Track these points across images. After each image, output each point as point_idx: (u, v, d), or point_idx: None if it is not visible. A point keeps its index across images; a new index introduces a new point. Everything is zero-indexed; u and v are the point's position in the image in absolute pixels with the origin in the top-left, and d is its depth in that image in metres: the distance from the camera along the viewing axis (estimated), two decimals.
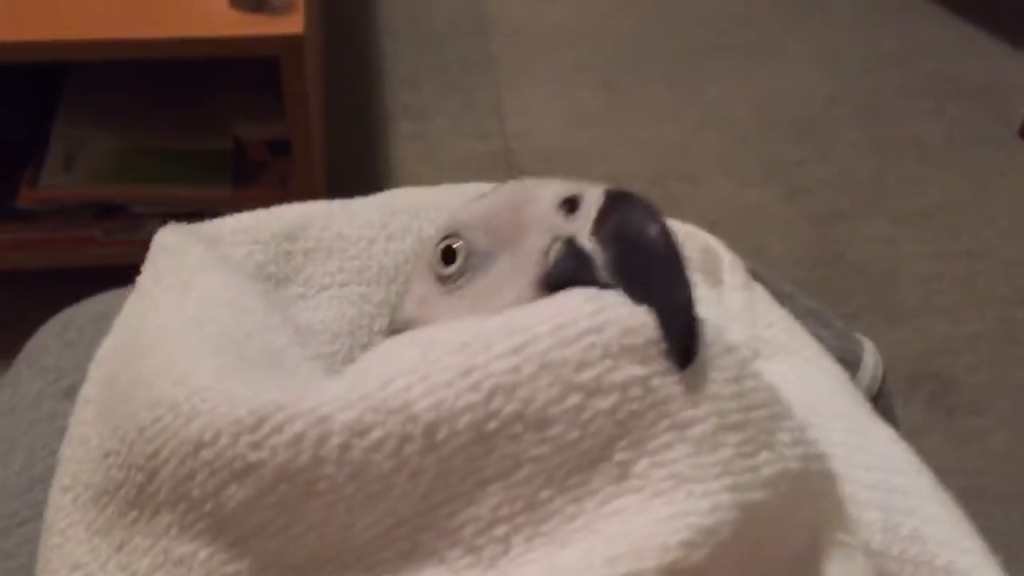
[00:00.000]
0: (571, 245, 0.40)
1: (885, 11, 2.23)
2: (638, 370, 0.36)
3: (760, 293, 0.60)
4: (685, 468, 0.34)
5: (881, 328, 1.55)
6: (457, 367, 0.36)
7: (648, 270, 0.37)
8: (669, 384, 0.36)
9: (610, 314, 0.36)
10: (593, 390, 0.35)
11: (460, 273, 0.43)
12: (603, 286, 0.38)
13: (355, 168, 1.74)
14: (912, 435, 1.53)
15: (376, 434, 0.35)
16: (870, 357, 0.65)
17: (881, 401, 0.64)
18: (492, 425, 0.35)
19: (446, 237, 0.44)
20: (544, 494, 0.35)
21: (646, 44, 2.09)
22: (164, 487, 0.39)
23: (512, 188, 0.44)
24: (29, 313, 0.66)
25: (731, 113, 1.93)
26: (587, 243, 0.39)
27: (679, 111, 1.93)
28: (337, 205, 0.59)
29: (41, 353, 0.60)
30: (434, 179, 0.67)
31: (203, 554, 0.38)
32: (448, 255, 0.44)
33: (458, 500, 0.35)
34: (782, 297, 0.61)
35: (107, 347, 0.48)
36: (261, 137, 1.47)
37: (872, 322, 1.56)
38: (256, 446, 0.36)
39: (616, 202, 0.39)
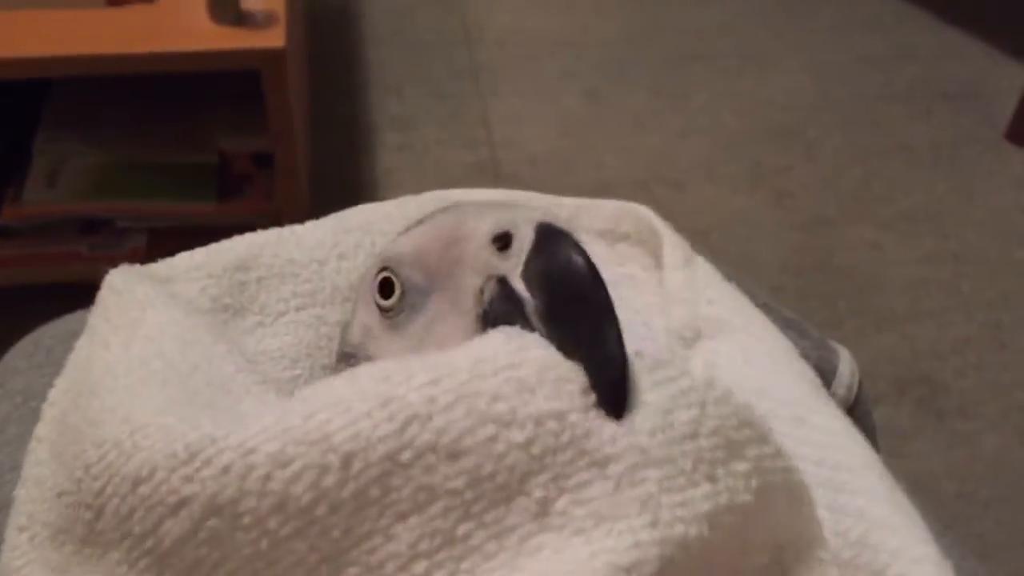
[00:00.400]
0: (504, 286, 0.40)
1: (870, 16, 2.23)
2: (554, 404, 0.35)
3: (702, 270, 0.60)
4: (604, 506, 0.34)
5: (868, 333, 1.55)
6: (376, 397, 0.36)
7: (576, 319, 0.37)
8: (587, 420, 0.36)
9: (530, 353, 0.36)
10: (507, 422, 0.35)
11: (399, 309, 0.44)
12: (535, 329, 0.38)
13: (342, 179, 1.74)
14: (901, 439, 1.54)
15: (296, 465, 0.35)
16: (846, 367, 0.64)
17: (858, 409, 0.63)
18: (406, 455, 0.35)
19: (382, 269, 0.45)
20: (462, 529, 0.35)
21: (631, 52, 2.09)
22: (109, 524, 0.39)
23: (444, 220, 0.45)
24: (13, 330, 0.66)
25: (716, 119, 1.93)
26: (519, 284, 0.40)
27: (664, 118, 1.94)
28: (287, 231, 0.60)
29: (10, 375, 0.60)
30: (421, 188, 0.66)
31: None
32: (385, 288, 0.45)
33: (377, 535, 0.35)
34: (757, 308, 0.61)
35: (59, 386, 0.48)
36: (246, 150, 1.47)
37: (859, 327, 1.56)
38: (188, 479, 0.36)
39: (543, 241, 0.39)
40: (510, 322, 0.39)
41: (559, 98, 1.96)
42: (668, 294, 0.58)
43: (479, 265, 0.42)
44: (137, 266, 0.53)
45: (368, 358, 0.45)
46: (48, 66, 1.23)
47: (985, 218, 1.76)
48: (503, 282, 0.40)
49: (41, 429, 0.47)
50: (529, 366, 0.36)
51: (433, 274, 0.44)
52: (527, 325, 0.39)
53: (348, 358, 0.47)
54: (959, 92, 2.03)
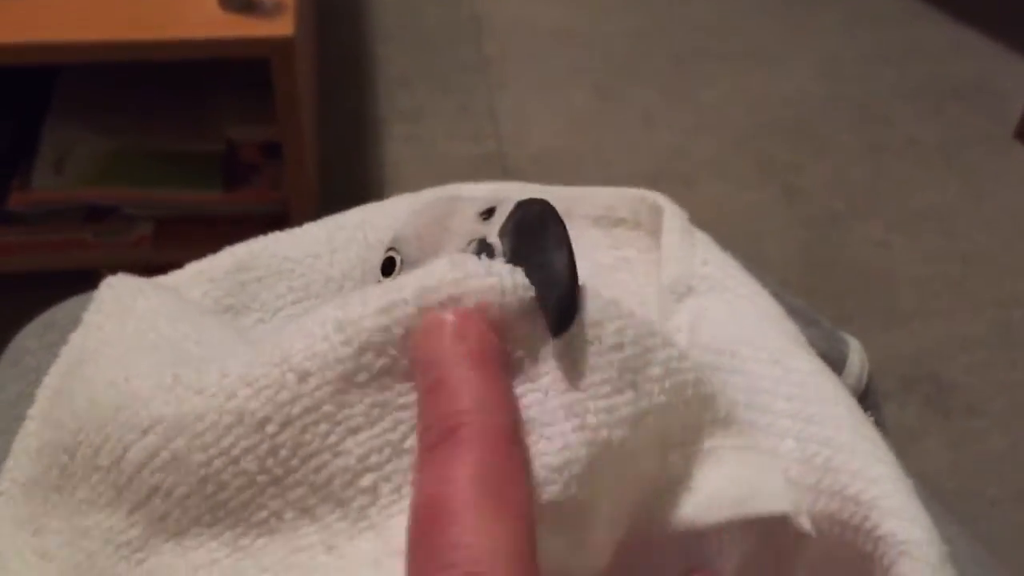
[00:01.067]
0: (482, 243, 0.42)
1: (880, 13, 2.23)
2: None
3: (701, 237, 0.62)
4: (536, 413, 0.37)
5: (876, 330, 1.55)
6: (333, 322, 0.37)
7: (531, 252, 0.39)
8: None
9: (472, 283, 0.38)
10: None
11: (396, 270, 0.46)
12: None
13: (349, 171, 1.74)
14: (908, 437, 1.54)
15: (258, 383, 0.37)
16: (856, 356, 0.64)
17: (868, 400, 0.63)
18: (362, 377, 0.37)
19: (388, 250, 0.47)
20: (410, 441, 0.36)
21: (641, 47, 2.09)
22: (81, 461, 0.40)
23: (440, 203, 0.47)
24: (18, 316, 0.66)
25: (726, 116, 1.93)
26: (495, 240, 0.42)
27: (673, 114, 1.93)
28: (285, 233, 0.61)
29: (22, 354, 0.60)
30: (428, 182, 0.67)
31: (105, 523, 0.40)
32: (387, 267, 0.47)
33: (326, 452, 0.37)
34: None
35: (53, 372, 0.49)
36: (253, 139, 1.47)
37: (867, 324, 1.56)
38: (167, 402, 0.38)
39: (521, 204, 0.41)
40: None
41: (568, 93, 1.96)
42: (663, 254, 0.59)
43: (464, 232, 0.44)
44: (136, 277, 0.54)
45: None
46: (56, 52, 1.23)
47: (994, 216, 1.75)
48: (482, 241, 0.42)
49: (33, 409, 0.48)
50: (470, 294, 0.38)
51: (426, 246, 0.46)
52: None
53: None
54: (969, 90, 2.02)
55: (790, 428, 0.48)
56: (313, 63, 1.73)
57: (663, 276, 0.61)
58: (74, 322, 0.58)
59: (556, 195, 0.66)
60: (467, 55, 2.03)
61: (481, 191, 0.63)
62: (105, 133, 1.43)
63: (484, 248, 0.42)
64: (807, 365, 0.53)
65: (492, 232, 0.42)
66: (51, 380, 0.49)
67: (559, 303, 0.38)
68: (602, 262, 0.62)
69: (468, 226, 0.44)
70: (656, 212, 0.64)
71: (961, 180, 1.82)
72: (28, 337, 0.61)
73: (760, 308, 0.58)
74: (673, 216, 0.62)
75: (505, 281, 0.38)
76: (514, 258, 0.40)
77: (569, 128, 1.89)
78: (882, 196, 1.78)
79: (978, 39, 2.15)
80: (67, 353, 0.49)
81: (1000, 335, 1.56)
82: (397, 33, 2.08)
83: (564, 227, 0.40)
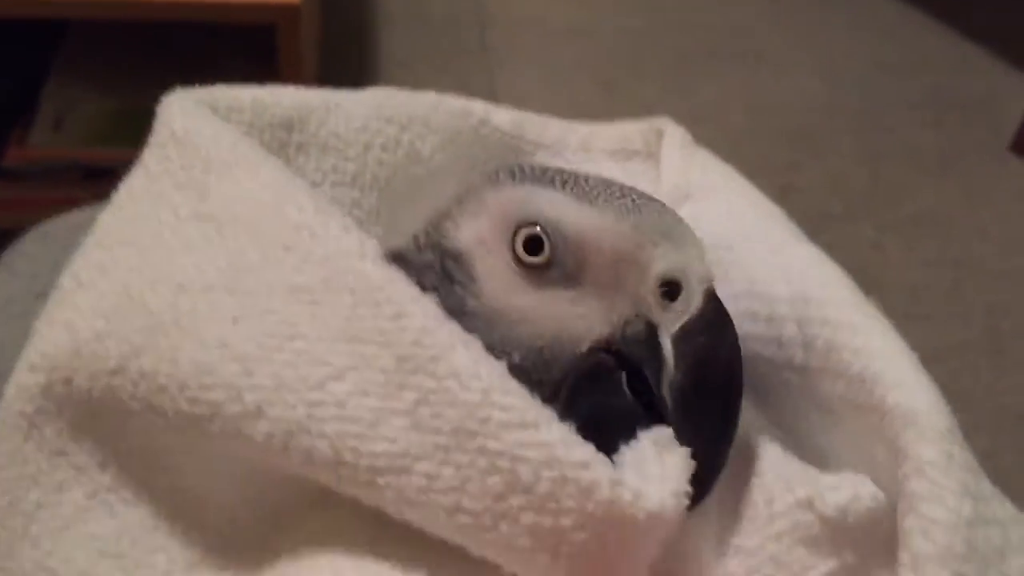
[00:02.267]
0: (651, 332, 0.45)
1: (886, 24, 2.24)
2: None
3: (702, 151, 0.66)
4: None
5: None
6: None
7: (707, 418, 0.43)
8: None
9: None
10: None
11: (542, 271, 0.47)
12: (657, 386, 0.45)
13: None
14: None
15: None
16: None
17: None
18: None
19: (532, 224, 0.47)
20: None
21: (644, 45, 2.09)
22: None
23: (624, 231, 0.47)
24: None
25: (726, 116, 1.93)
26: (666, 342, 0.44)
27: (672, 112, 1.90)
28: (333, 101, 0.59)
29: (18, 258, 0.61)
30: None
31: None
32: (533, 244, 0.47)
33: None
34: None
35: (106, 227, 0.49)
36: None
37: None
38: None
39: (709, 321, 0.44)
40: (636, 363, 0.45)
41: (571, 86, 1.96)
42: (661, 165, 0.61)
43: (639, 296, 0.46)
44: (193, 94, 0.54)
45: (473, 277, 0.48)
46: (63, 8, 1.23)
47: (988, 226, 1.76)
48: (651, 327, 0.45)
49: (82, 272, 0.48)
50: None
51: (585, 268, 0.47)
52: (653, 378, 0.44)
53: (443, 252, 0.48)
54: (969, 103, 2.03)
55: (790, 313, 0.50)
56: (317, 37, 1.73)
57: (662, 184, 0.62)
58: (71, 232, 0.57)
59: (577, 130, 0.67)
60: (471, 45, 2.03)
61: (503, 118, 0.63)
62: (107, 93, 1.43)
63: (650, 343, 0.44)
64: (806, 252, 0.53)
65: (663, 322, 0.45)
66: (104, 238, 0.49)
67: (703, 487, 0.42)
68: None
69: (644, 291, 0.45)
70: (658, 135, 0.66)
71: (957, 189, 1.83)
72: (25, 243, 0.61)
73: (760, 208, 0.59)
74: (674, 134, 0.65)
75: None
76: (684, 402, 0.43)
77: (571, 118, 1.88)
78: (878, 201, 1.78)
79: (982, 55, 2.16)
80: (122, 210, 0.50)
81: (989, 342, 1.56)
82: (401, 16, 2.08)
83: (740, 397, 0.44)
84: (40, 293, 0.48)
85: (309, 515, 0.45)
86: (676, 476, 0.41)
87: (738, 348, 0.44)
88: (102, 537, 0.46)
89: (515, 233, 0.46)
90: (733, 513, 0.45)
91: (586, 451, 0.40)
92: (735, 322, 0.49)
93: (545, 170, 0.49)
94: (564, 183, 0.48)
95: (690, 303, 0.45)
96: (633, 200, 0.48)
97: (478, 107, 0.64)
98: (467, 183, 0.51)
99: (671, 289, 0.45)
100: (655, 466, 0.41)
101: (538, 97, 1.92)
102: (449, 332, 0.42)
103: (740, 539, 0.44)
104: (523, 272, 0.47)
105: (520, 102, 2.01)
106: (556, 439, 0.40)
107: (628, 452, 0.42)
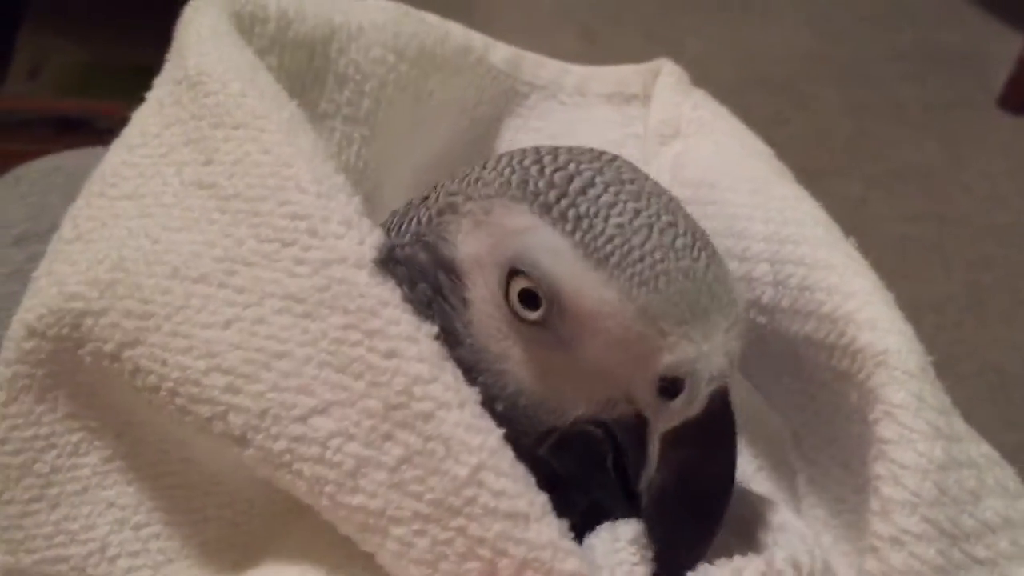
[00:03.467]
0: (639, 426, 0.41)
1: None
2: None
3: (697, 91, 0.65)
4: None
5: None
6: None
7: (687, 532, 0.40)
8: None
9: None
10: None
11: (537, 327, 0.41)
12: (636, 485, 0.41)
13: None
14: None
15: None
16: None
17: None
18: None
19: (525, 273, 0.41)
20: None
21: None
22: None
23: (625, 309, 0.40)
24: None
25: (710, 68, 1.90)
26: (654, 446, 0.40)
27: None
28: (355, 21, 0.56)
29: (20, 181, 0.59)
30: None
31: None
32: (527, 300, 0.41)
33: None
34: None
35: (114, 170, 0.48)
36: None
37: None
38: None
39: (709, 430, 0.40)
40: (619, 456, 0.42)
41: (552, 35, 1.94)
42: (652, 102, 0.60)
43: (635, 385, 0.41)
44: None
45: (466, 302, 0.43)
46: None
47: (972, 181, 1.75)
48: (640, 419, 0.40)
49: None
50: None
51: (581, 342, 0.41)
52: (633, 470, 0.41)
53: (439, 258, 0.44)
54: (955, 57, 2.01)
55: (764, 251, 0.48)
56: None
57: (650, 120, 0.61)
58: (45, 175, 0.57)
59: (573, 72, 0.66)
60: None
61: (500, 56, 0.63)
62: (82, 44, 1.41)
63: (638, 439, 0.40)
64: (790, 192, 0.53)
65: (656, 420, 0.40)
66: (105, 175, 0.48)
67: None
68: (611, 138, 0.62)
69: (642, 383, 0.40)
70: (653, 74, 0.65)
71: (942, 144, 1.82)
72: (32, 170, 0.60)
73: (748, 146, 0.58)
74: (671, 73, 0.64)
75: None
76: (667, 511, 0.40)
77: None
78: (863, 154, 1.78)
79: (968, 8, 2.15)
80: (134, 140, 0.49)
81: (971, 296, 1.56)
82: None
83: (726, 508, 0.40)
84: (17, 239, 0.47)
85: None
86: None
87: (733, 463, 0.40)
88: (121, 505, 0.45)
89: (511, 275, 0.41)
90: None
91: (576, 562, 0.38)
92: None
93: (567, 184, 0.42)
94: (580, 221, 0.41)
95: (692, 402, 0.39)
96: (659, 256, 0.40)
97: (478, 42, 0.63)
98: (475, 172, 0.46)
99: (672, 387, 0.39)
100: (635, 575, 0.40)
101: (519, 47, 1.89)
102: (444, 386, 0.39)
103: None
104: (514, 320, 0.42)
105: None
106: (545, 541, 0.38)
107: (607, 552, 0.40)
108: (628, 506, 0.42)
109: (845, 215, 1.80)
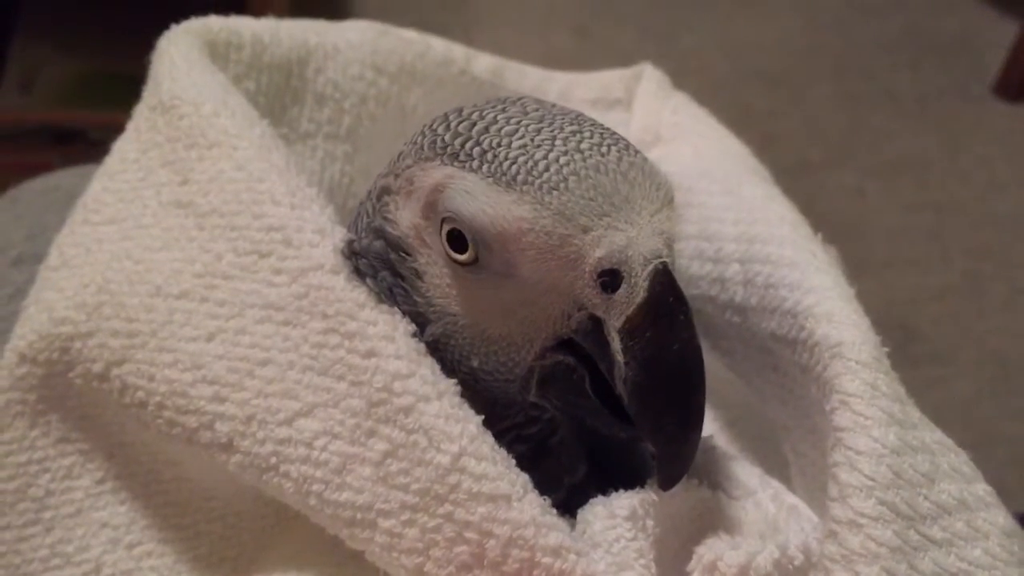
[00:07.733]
0: (597, 327, 0.41)
1: None
2: None
3: (679, 95, 0.66)
4: None
5: (848, 279, 1.55)
6: None
7: (667, 412, 0.41)
8: None
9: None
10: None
11: (476, 269, 0.42)
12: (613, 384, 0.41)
13: None
14: None
15: None
16: None
17: None
18: None
19: (448, 218, 0.42)
20: None
21: None
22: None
23: (548, 224, 0.41)
24: None
25: (705, 62, 1.91)
26: (614, 338, 0.40)
27: (652, 58, 1.90)
28: (331, 42, 0.58)
29: (15, 202, 0.60)
30: None
31: None
32: (456, 243, 0.42)
33: None
34: None
35: (96, 197, 0.50)
36: None
37: None
38: None
39: (657, 310, 0.40)
40: (591, 362, 0.42)
41: (546, 33, 1.94)
42: (634, 108, 0.61)
43: (577, 289, 0.41)
44: (192, 28, 0.53)
45: (418, 273, 0.44)
46: None
47: (969, 169, 1.75)
48: (595, 321, 0.41)
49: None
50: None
51: (515, 266, 0.42)
52: (607, 374, 0.41)
53: (387, 240, 0.45)
54: (949, 44, 2.01)
55: (735, 251, 0.50)
56: None
57: (631, 129, 0.62)
58: (41, 195, 0.58)
59: (557, 79, 0.66)
60: None
61: (482, 66, 0.62)
62: (75, 55, 1.41)
63: (598, 339, 0.40)
64: (761, 191, 0.54)
65: (609, 316, 0.40)
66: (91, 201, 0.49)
67: (674, 476, 0.42)
68: None
69: (582, 284, 0.40)
70: (636, 80, 0.65)
71: (937, 132, 1.82)
72: (29, 190, 0.61)
73: (724, 147, 0.59)
74: (652, 78, 0.66)
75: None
76: (642, 398, 0.40)
77: (546, 68, 1.86)
78: (858, 146, 1.78)
79: None
80: (111, 173, 0.50)
81: (970, 285, 1.56)
82: None
83: (704, 391, 0.41)
84: (16, 260, 0.49)
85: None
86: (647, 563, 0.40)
87: (692, 334, 0.41)
88: (114, 525, 0.47)
89: (442, 224, 0.43)
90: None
91: (558, 536, 0.40)
92: (683, 264, 0.50)
93: (470, 129, 0.43)
94: (484, 155, 0.42)
95: (634, 291, 0.40)
96: (565, 161, 0.41)
97: (459, 54, 0.64)
98: (400, 149, 0.47)
99: (610, 279, 0.40)
100: (631, 551, 0.40)
101: (512, 44, 1.89)
102: (422, 380, 0.41)
103: None
104: (458, 268, 0.43)
105: (494, 50, 1.98)
106: (527, 519, 0.40)
107: (604, 529, 0.41)
108: (622, 424, 0.43)
109: (843, 207, 1.81)
